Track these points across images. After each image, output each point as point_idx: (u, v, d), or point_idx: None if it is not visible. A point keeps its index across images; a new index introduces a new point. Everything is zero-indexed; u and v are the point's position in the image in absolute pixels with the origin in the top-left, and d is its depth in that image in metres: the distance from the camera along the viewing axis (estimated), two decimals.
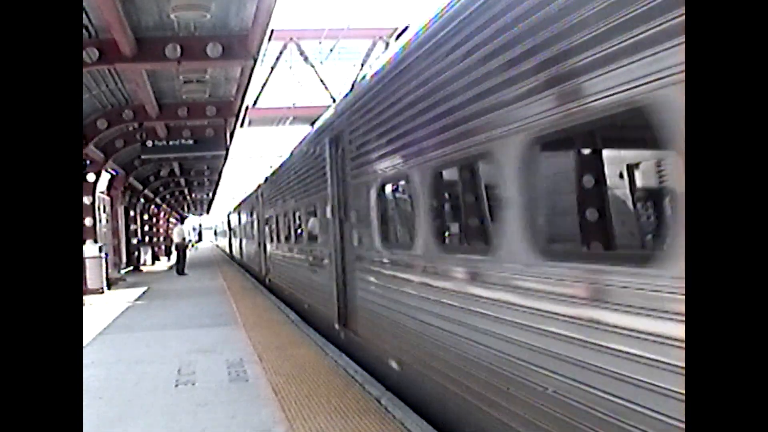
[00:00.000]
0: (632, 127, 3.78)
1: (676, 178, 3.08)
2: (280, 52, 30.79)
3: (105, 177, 26.98)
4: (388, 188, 7.61)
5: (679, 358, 2.93)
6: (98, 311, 16.72)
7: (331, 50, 29.88)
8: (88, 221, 21.94)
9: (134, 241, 36.75)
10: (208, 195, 60.83)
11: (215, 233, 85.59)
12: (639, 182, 4.61)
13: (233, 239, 42.39)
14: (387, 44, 28.89)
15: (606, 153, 4.20)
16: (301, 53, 30.89)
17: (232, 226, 42.01)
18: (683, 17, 2.82)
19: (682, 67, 2.80)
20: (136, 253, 36.61)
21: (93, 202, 22.72)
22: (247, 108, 23.12)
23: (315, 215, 11.75)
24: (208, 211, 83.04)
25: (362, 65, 29.24)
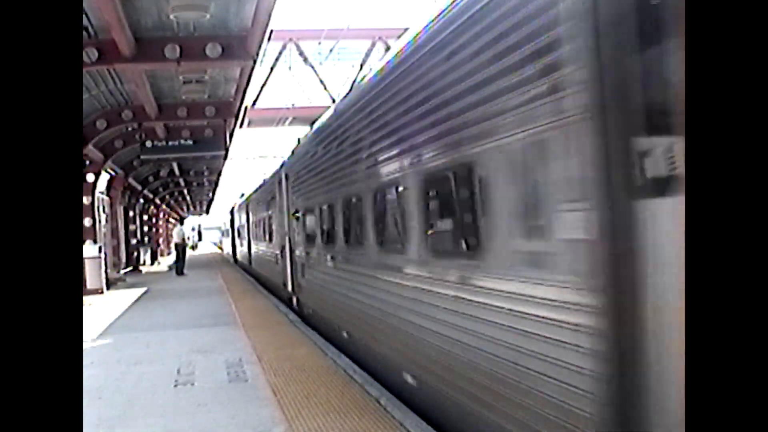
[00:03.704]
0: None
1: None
2: (280, 53, 30.79)
3: (104, 177, 26.98)
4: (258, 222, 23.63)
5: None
6: (98, 311, 16.73)
7: (330, 51, 29.87)
8: (87, 221, 21.95)
9: (133, 241, 36.74)
10: (207, 195, 60.84)
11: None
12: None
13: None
14: (387, 45, 28.89)
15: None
16: (301, 54, 30.89)
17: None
18: None
19: None
20: (136, 254, 36.60)
21: (92, 203, 22.73)
22: (246, 108, 23.12)
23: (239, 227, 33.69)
24: (207, 212, 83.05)
25: (361, 66, 29.23)
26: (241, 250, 33.00)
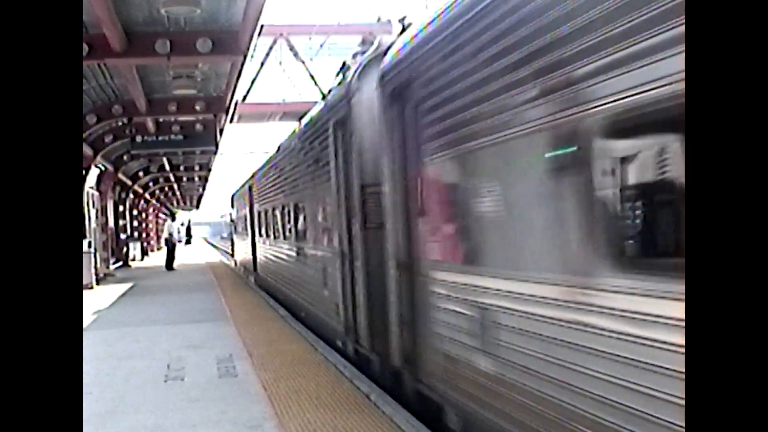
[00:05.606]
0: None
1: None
2: (270, 48, 30.69)
3: (94, 172, 26.87)
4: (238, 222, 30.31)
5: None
6: (87, 306, 16.68)
7: (321, 46, 29.82)
8: None
9: (123, 236, 36.59)
10: (198, 191, 60.67)
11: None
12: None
13: None
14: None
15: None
16: (291, 49, 30.81)
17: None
18: None
19: None
20: (125, 249, 36.46)
21: (82, 198, 22.64)
22: (236, 103, 23.08)
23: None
24: (197, 207, 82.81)
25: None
26: None
